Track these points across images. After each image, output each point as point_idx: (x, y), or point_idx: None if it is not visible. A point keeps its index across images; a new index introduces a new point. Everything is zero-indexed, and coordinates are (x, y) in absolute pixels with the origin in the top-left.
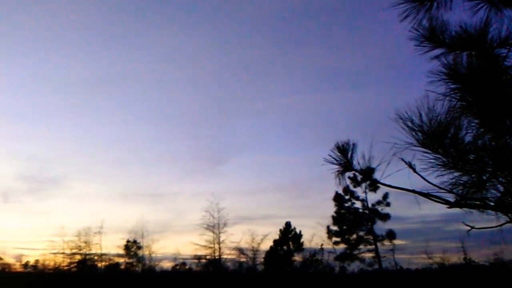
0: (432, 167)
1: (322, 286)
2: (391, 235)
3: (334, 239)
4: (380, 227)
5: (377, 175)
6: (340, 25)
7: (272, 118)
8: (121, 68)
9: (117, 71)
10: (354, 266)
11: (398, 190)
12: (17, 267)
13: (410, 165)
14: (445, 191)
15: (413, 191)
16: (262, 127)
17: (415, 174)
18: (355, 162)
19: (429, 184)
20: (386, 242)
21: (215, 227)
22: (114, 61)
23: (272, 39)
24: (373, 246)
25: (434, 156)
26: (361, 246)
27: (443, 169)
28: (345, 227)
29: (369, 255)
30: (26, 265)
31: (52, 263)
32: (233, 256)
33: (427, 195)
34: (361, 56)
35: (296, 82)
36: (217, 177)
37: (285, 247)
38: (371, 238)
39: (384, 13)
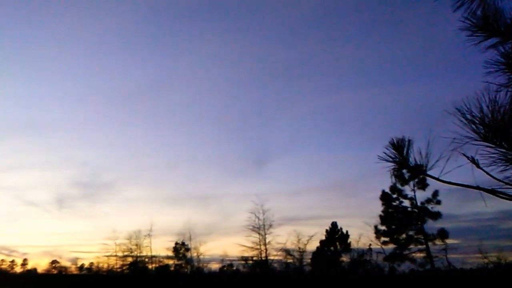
0: (495, 161)
1: (372, 287)
2: (443, 234)
3: (383, 239)
4: (431, 226)
5: (435, 172)
6: (386, 19)
7: (316, 118)
8: (166, 75)
9: (162, 79)
10: (404, 267)
11: (453, 186)
12: (73, 269)
13: (473, 161)
14: (510, 187)
15: (477, 187)
16: (305, 127)
17: (479, 169)
18: (411, 159)
19: (491, 180)
20: (438, 242)
21: (260, 228)
22: (158, 70)
23: (312, 38)
24: (424, 246)
25: (497, 150)
26: (412, 246)
27: (507, 163)
28: (393, 227)
29: (420, 255)
30: (81, 267)
31: (105, 265)
32: (280, 257)
33: (492, 192)
34: (411, 50)
35: (338, 80)
36: (261, 179)
37: (332, 248)
38: (422, 237)
39: (435, 4)
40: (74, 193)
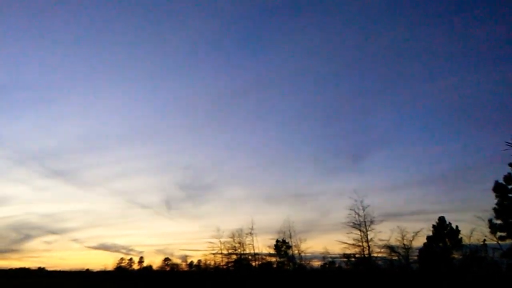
0: None
1: (488, 286)
2: None
3: (499, 233)
4: None
5: None
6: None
7: (416, 107)
8: (258, 76)
9: (255, 80)
10: None
11: None
12: (183, 266)
13: None
14: None
15: None
16: (404, 117)
17: None
18: None
19: None
20: None
21: (361, 225)
22: (250, 71)
23: (405, 21)
24: None
25: None
26: None
27: None
28: (511, 220)
29: None
30: (191, 264)
31: (212, 263)
32: (384, 254)
33: None
34: None
35: (442, 65)
36: (358, 174)
37: (440, 244)
38: None
39: None
40: (180, 195)
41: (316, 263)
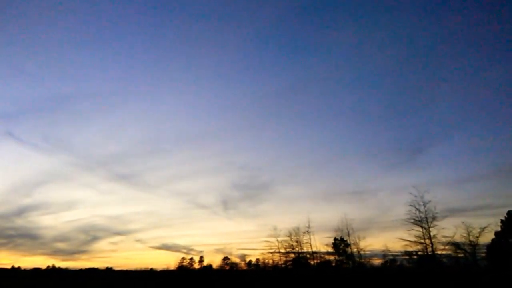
0: None
1: None
2: None
3: None
4: None
5: None
6: None
7: (479, 96)
8: (312, 73)
9: (309, 77)
10: None
11: None
12: (242, 265)
13: None
14: None
15: None
16: (467, 108)
17: None
18: None
19: None
20: None
21: (423, 221)
22: (303, 68)
23: (457, 9)
24: None
25: None
26: None
27: None
28: None
29: None
30: (249, 263)
31: (270, 262)
32: (448, 252)
33: None
34: None
35: (506, 52)
36: (418, 168)
37: (510, 240)
38: None
39: None
40: (236, 195)
41: (376, 261)
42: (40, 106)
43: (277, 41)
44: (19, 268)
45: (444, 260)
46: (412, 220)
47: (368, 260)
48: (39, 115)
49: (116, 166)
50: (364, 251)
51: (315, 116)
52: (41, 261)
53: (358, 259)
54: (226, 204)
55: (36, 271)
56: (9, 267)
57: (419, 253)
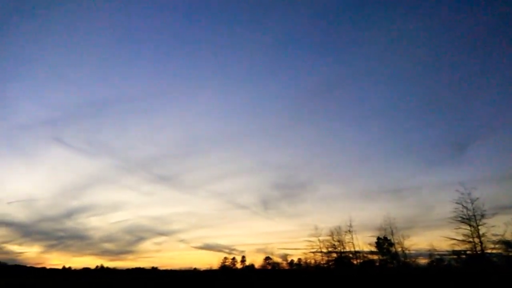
0: None
1: None
2: None
3: None
4: None
5: None
6: None
7: None
8: (349, 69)
9: (346, 73)
10: None
11: None
12: (284, 265)
13: None
14: None
15: None
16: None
17: None
18: None
19: None
20: None
21: (471, 219)
22: (341, 65)
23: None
24: None
25: None
26: None
27: None
28: None
29: None
30: (291, 263)
31: (312, 261)
32: (499, 251)
33: None
34: None
35: None
36: (463, 164)
37: None
38: None
39: None
40: (275, 194)
41: (422, 261)
42: (84, 112)
43: (312, 39)
44: (69, 268)
45: (495, 259)
46: (459, 218)
47: (413, 259)
48: (83, 120)
49: (156, 168)
50: (409, 250)
51: (352, 113)
52: (90, 261)
53: (403, 259)
54: (266, 204)
55: (86, 271)
56: (60, 267)
57: (468, 252)
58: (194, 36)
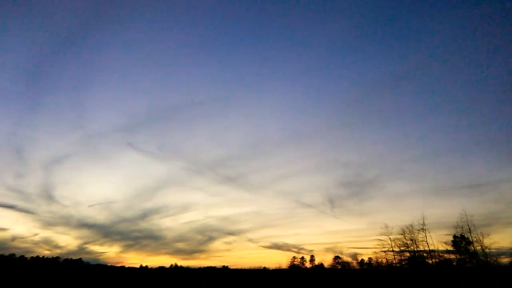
0: None
1: None
2: None
3: None
4: None
5: None
6: None
7: None
8: (417, 62)
9: (414, 66)
10: None
11: None
12: (354, 264)
13: None
14: None
15: None
16: None
17: None
18: None
19: None
20: None
21: None
22: (408, 59)
23: None
24: None
25: None
26: None
27: None
28: None
29: None
30: (361, 262)
31: (384, 261)
32: None
33: None
34: None
35: None
36: None
37: None
38: None
39: None
40: (342, 193)
41: (504, 260)
42: (154, 117)
43: (377, 34)
44: (146, 267)
45: None
46: None
47: (494, 258)
48: (154, 125)
49: (223, 169)
50: (489, 249)
51: (421, 107)
52: (165, 260)
53: (483, 258)
54: (333, 203)
55: (161, 269)
56: (137, 266)
57: None
58: (258, 42)
